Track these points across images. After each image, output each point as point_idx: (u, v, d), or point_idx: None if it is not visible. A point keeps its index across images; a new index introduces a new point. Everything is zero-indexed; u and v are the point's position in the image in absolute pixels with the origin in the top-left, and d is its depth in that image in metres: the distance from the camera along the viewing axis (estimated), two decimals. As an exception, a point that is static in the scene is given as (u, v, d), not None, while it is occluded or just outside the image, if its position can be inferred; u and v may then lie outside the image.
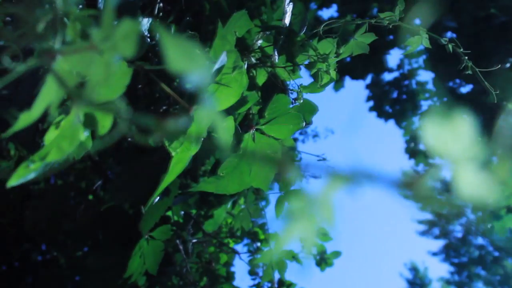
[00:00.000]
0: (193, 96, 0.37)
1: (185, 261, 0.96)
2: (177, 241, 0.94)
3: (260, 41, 0.75)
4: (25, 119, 0.28)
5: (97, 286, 0.81)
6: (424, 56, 3.25)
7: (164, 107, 0.80)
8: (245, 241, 1.39)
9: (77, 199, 1.06)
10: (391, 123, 3.78)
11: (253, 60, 0.74)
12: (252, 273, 1.14)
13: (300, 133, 4.58)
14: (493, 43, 2.51)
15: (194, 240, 0.99)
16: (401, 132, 3.82)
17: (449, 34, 2.71)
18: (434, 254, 7.99)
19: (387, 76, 3.79)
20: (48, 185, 0.97)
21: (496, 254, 6.91)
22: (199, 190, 0.70)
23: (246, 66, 0.59)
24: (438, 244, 8.12)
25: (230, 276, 1.29)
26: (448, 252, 7.73)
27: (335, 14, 3.27)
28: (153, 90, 0.79)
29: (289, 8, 0.73)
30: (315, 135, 4.98)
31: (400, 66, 3.82)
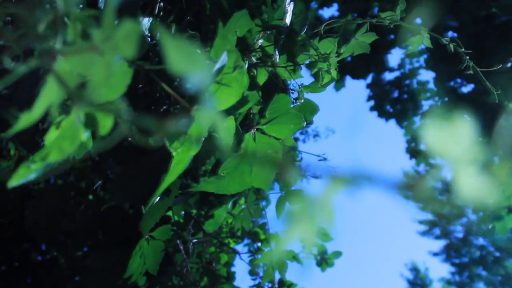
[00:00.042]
0: (194, 96, 0.37)
1: (186, 261, 0.96)
2: (178, 241, 0.94)
3: (261, 41, 0.75)
4: (26, 119, 0.27)
5: (97, 286, 0.80)
6: (425, 56, 3.24)
7: (165, 107, 0.80)
8: (246, 241, 1.39)
9: (77, 199, 1.06)
10: (392, 123, 3.78)
11: (254, 59, 0.74)
12: (252, 273, 1.13)
13: (301, 133, 4.58)
14: (494, 42, 2.50)
15: (195, 240, 0.99)
16: (402, 132, 3.82)
17: (450, 33, 2.70)
18: (435, 254, 7.99)
19: (388, 76, 3.79)
20: (48, 185, 0.97)
21: (497, 254, 6.90)
22: (199, 190, 0.70)
23: (247, 65, 0.59)
24: (439, 244, 8.12)
25: (230, 276, 1.28)
26: (449, 253, 7.73)
27: (336, 13, 3.27)
28: (154, 89, 0.78)
29: (289, 8, 0.72)
30: (316, 135, 4.98)
31: (401, 66, 3.82)
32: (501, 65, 0.88)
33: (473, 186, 0.21)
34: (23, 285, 1.23)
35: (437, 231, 7.59)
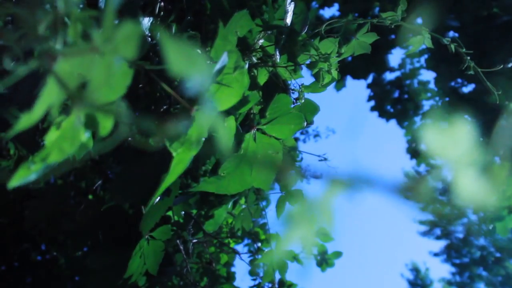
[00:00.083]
0: (194, 96, 0.37)
1: (186, 261, 0.96)
2: (178, 241, 0.94)
3: (261, 41, 0.75)
4: (26, 120, 0.27)
5: (97, 286, 0.80)
6: (425, 56, 3.24)
7: (165, 107, 0.80)
8: (246, 241, 1.38)
9: (77, 199, 1.05)
10: (393, 123, 3.78)
11: (254, 59, 0.74)
12: (252, 273, 1.13)
13: (301, 133, 4.57)
14: (496, 42, 2.50)
15: (195, 240, 0.99)
16: (403, 132, 3.81)
17: (451, 33, 2.70)
18: (436, 254, 7.98)
19: (389, 76, 3.79)
20: (48, 185, 0.97)
21: (498, 255, 6.90)
22: (199, 190, 0.70)
23: (247, 66, 0.59)
24: (440, 244, 8.12)
25: (230, 277, 1.28)
26: (450, 253, 7.72)
27: (337, 13, 3.27)
28: (154, 89, 0.78)
29: (290, 8, 0.72)
30: (316, 135, 4.97)
31: (401, 66, 3.82)
32: (502, 66, 0.88)
33: (473, 186, 0.20)
34: (23, 285, 1.22)
35: (437, 231, 7.59)
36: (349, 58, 3.15)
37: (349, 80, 3.64)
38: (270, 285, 1.09)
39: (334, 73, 0.77)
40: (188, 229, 0.96)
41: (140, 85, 0.78)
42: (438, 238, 7.68)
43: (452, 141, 0.20)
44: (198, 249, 1.17)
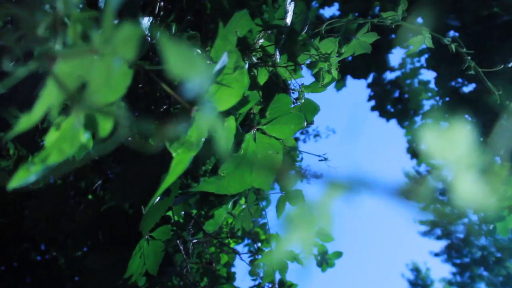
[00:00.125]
0: (194, 97, 0.36)
1: (186, 262, 0.96)
2: (178, 241, 0.93)
3: (261, 40, 0.75)
4: (25, 122, 0.27)
5: (97, 286, 0.80)
6: (426, 55, 3.24)
7: (165, 107, 0.79)
8: (246, 241, 1.38)
9: (77, 199, 1.05)
10: (393, 123, 3.77)
11: (254, 59, 0.74)
12: (253, 273, 1.13)
13: (301, 133, 4.57)
14: (496, 42, 2.50)
15: (195, 241, 0.99)
16: (403, 132, 3.81)
17: (451, 33, 2.69)
18: (436, 254, 7.98)
19: (389, 76, 3.79)
20: (48, 185, 0.97)
21: (499, 255, 6.89)
22: (199, 190, 0.70)
23: (247, 66, 0.59)
24: (440, 244, 8.11)
25: (230, 277, 1.28)
26: (450, 253, 7.72)
27: (337, 13, 3.26)
28: (154, 89, 0.78)
29: (290, 7, 0.72)
30: (317, 135, 4.97)
31: (402, 65, 3.81)
32: (502, 66, 0.88)
33: (473, 187, 0.20)
34: (23, 285, 1.22)
35: (438, 231, 7.59)
36: (349, 58, 3.15)
37: (349, 79, 3.63)
38: (270, 285, 1.08)
39: (334, 73, 0.76)
40: (188, 229, 0.96)
41: (140, 85, 0.78)
42: (438, 238, 7.67)
43: (452, 142, 0.20)
44: (198, 249, 1.17)
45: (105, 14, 0.24)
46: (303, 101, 0.79)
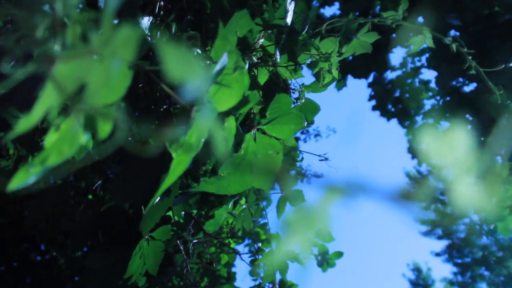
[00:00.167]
0: (193, 99, 0.36)
1: (186, 262, 0.95)
2: (178, 241, 0.93)
3: (261, 40, 0.75)
4: (25, 123, 0.27)
5: (97, 286, 0.80)
6: (427, 55, 3.23)
7: (165, 107, 0.79)
8: (246, 241, 1.38)
9: (76, 199, 1.05)
10: (394, 122, 3.77)
11: (254, 59, 0.74)
12: (253, 273, 1.13)
13: (302, 132, 4.57)
14: (497, 41, 2.49)
15: (195, 241, 0.99)
16: (404, 131, 3.80)
17: (452, 32, 2.69)
18: (437, 254, 7.97)
19: (390, 75, 3.78)
20: (48, 185, 0.96)
21: (500, 254, 6.89)
22: (200, 190, 0.70)
23: (247, 65, 0.59)
24: (441, 244, 8.11)
25: (231, 277, 1.28)
26: (451, 253, 7.71)
27: (338, 12, 3.26)
28: (154, 89, 0.78)
29: (291, 7, 0.72)
30: (317, 135, 4.97)
31: (403, 65, 3.81)
32: (503, 65, 0.87)
33: (474, 187, 0.20)
34: (22, 285, 1.22)
35: (439, 231, 7.58)
36: (350, 57, 3.15)
37: (350, 79, 3.63)
38: (270, 286, 1.08)
39: (335, 73, 0.76)
40: (188, 229, 0.96)
41: (140, 85, 0.78)
42: (439, 238, 7.67)
43: (452, 143, 0.20)
44: (199, 250, 1.17)
45: (104, 14, 0.24)
46: (303, 101, 0.79)
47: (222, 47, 0.44)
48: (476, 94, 2.69)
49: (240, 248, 1.59)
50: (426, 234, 7.73)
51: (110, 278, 0.79)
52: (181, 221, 0.97)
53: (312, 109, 0.80)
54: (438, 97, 3.48)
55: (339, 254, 1.29)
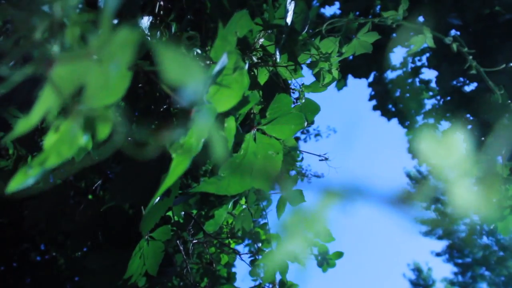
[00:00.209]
0: (192, 101, 0.36)
1: (186, 262, 0.95)
2: (178, 241, 0.93)
3: (261, 40, 0.75)
4: (24, 125, 0.27)
5: (97, 287, 0.80)
6: (427, 54, 3.23)
7: (165, 107, 0.79)
8: (247, 241, 1.38)
9: (76, 199, 1.05)
10: (395, 122, 3.77)
11: (254, 59, 0.74)
12: (253, 274, 1.13)
13: (302, 132, 4.57)
14: (498, 41, 2.49)
15: (195, 241, 0.99)
16: (404, 131, 3.80)
17: (453, 32, 2.68)
18: (438, 254, 7.97)
19: (390, 75, 3.78)
20: (48, 185, 0.96)
21: (501, 254, 6.88)
22: (200, 191, 0.70)
23: (247, 66, 0.59)
24: (442, 244, 8.10)
25: (231, 277, 1.28)
26: (452, 253, 7.71)
27: (338, 12, 3.26)
28: (154, 89, 0.78)
29: (291, 6, 0.72)
30: (318, 134, 4.97)
31: (403, 64, 3.80)
32: (504, 64, 0.87)
33: (474, 188, 0.20)
34: (22, 285, 1.22)
35: (439, 231, 7.57)
36: (350, 57, 3.14)
37: (350, 79, 3.63)
38: (270, 286, 1.08)
39: (335, 73, 0.76)
40: (188, 229, 0.96)
41: (140, 85, 0.77)
42: (440, 238, 7.66)
43: (452, 143, 0.20)
44: (198, 250, 1.17)
45: (103, 15, 0.24)
46: (303, 101, 0.79)
47: (222, 47, 0.43)
48: (477, 93, 2.69)
49: (240, 248, 1.59)
50: (427, 234, 7.73)
51: (110, 278, 0.79)
52: (181, 221, 0.97)
53: (312, 109, 0.79)
54: (438, 97, 3.48)
55: (339, 254, 1.28)
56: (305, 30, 0.76)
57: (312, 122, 0.86)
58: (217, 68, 0.37)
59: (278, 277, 1.05)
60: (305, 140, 4.85)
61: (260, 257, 1.14)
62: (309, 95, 0.81)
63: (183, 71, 0.19)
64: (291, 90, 0.81)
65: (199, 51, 0.62)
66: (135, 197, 0.76)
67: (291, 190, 0.84)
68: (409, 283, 8.50)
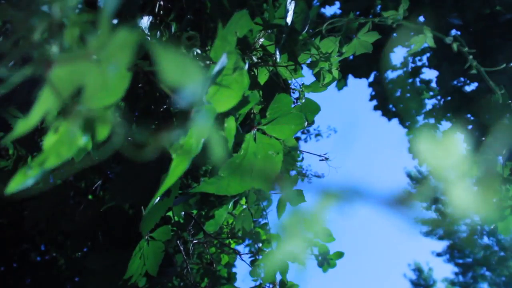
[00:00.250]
0: (191, 102, 0.36)
1: (186, 262, 0.95)
2: (178, 241, 0.93)
3: (262, 40, 0.75)
4: (23, 125, 0.27)
5: (97, 287, 0.80)
6: (428, 54, 3.22)
7: (165, 106, 0.79)
8: (247, 241, 1.38)
9: (76, 199, 1.05)
10: (395, 122, 3.77)
11: (254, 59, 0.73)
12: (254, 274, 1.13)
13: (303, 132, 4.57)
14: (499, 41, 2.48)
15: (195, 241, 0.99)
16: (405, 131, 3.80)
17: (453, 31, 2.68)
18: (438, 254, 7.96)
19: (391, 75, 3.77)
20: (47, 185, 0.96)
21: (502, 254, 6.87)
22: (200, 191, 0.70)
23: (247, 65, 0.59)
24: (442, 244, 8.10)
25: (231, 277, 1.28)
26: (453, 253, 7.70)
27: (338, 12, 3.25)
28: (154, 89, 0.78)
29: (291, 6, 0.71)
30: (318, 134, 4.96)
31: (404, 64, 3.80)
32: (505, 64, 0.87)
33: (474, 188, 0.20)
34: (22, 285, 1.22)
35: (440, 231, 7.57)
36: (351, 57, 3.14)
37: (350, 79, 3.62)
38: (271, 286, 1.08)
39: (335, 72, 0.76)
40: (189, 229, 0.96)
41: (140, 85, 0.77)
42: (440, 238, 7.65)
43: (452, 144, 0.20)
44: (199, 250, 1.17)
45: (102, 16, 0.24)
46: (303, 100, 0.79)
47: (222, 47, 0.43)
48: (477, 93, 2.69)
49: (241, 248, 1.59)
50: (427, 234, 7.72)
51: (110, 278, 0.79)
52: (181, 221, 0.97)
53: (312, 109, 0.79)
54: (439, 97, 3.48)
55: (340, 255, 1.28)
56: (305, 30, 0.76)
57: (313, 122, 0.86)
58: (216, 68, 0.37)
59: (278, 277, 1.05)
60: (305, 140, 4.85)
61: (260, 257, 1.14)
62: (309, 95, 0.81)
63: (181, 72, 0.19)
64: (291, 90, 0.81)
65: (199, 51, 0.61)
66: (135, 197, 0.76)
67: (291, 190, 0.84)
68: (410, 283, 8.50)
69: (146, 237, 0.77)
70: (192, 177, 0.95)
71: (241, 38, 0.69)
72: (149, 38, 0.67)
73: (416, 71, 3.74)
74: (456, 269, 7.80)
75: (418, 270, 8.48)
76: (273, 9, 0.72)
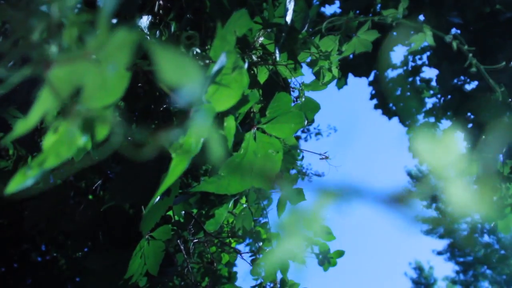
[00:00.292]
0: (190, 102, 0.36)
1: (187, 261, 0.95)
2: (178, 241, 0.93)
3: (261, 39, 0.74)
4: (22, 126, 0.27)
5: (97, 287, 0.80)
6: (428, 53, 3.22)
7: (164, 106, 0.79)
8: (247, 240, 1.38)
9: (77, 199, 1.05)
10: (395, 120, 3.76)
11: (254, 58, 0.73)
12: (254, 273, 1.13)
13: (303, 131, 4.57)
14: (499, 39, 2.48)
15: (195, 240, 0.99)
16: (405, 130, 3.79)
17: (453, 30, 2.68)
18: (439, 253, 7.97)
19: (391, 73, 3.77)
20: (48, 185, 0.96)
21: (502, 252, 6.88)
22: (200, 190, 0.70)
23: (247, 64, 0.59)
24: (443, 243, 8.10)
25: (232, 276, 1.28)
26: (453, 251, 7.70)
27: (338, 10, 3.25)
28: (153, 88, 0.78)
29: (290, 5, 0.71)
30: (318, 133, 4.96)
31: (404, 63, 3.79)
32: (505, 63, 0.87)
33: (474, 187, 0.20)
34: (23, 286, 1.22)
35: (440, 229, 7.57)
36: (351, 56, 3.14)
37: (350, 77, 3.62)
38: (272, 285, 1.08)
39: (335, 71, 0.76)
40: (189, 228, 0.96)
41: (139, 85, 0.77)
42: (441, 236, 7.66)
43: (452, 143, 0.20)
44: (199, 249, 1.17)
45: (101, 16, 0.24)
46: (303, 99, 0.79)
47: (221, 47, 0.43)
48: (478, 92, 2.69)
49: (241, 247, 1.59)
50: (428, 232, 7.72)
51: (110, 278, 0.79)
52: (182, 220, 0.97)
53: (312, 107, 0.79)
54: (439, 96, 3.47)
55: (341, 253, 1.28)
56: (305, 29, 0.76)
57: (313, 121, 0.86)
58: (216, 67, 0.37)
59: (279, 276, 1.05)
60: (305, 139, 4.85)
61: (261, 256, 1.14)
62: (309, 94, 0.81)
63: (180, 71, 0.19)
64: (291, 89, 0.81)
65: (198, 50, 0.61)
66: (135, 197, 0.76)
67: (292, 189, 0.84)
68: (411, 281, 8.50)
69: (147, 236, 0.77)
70: (192, 176, 0.95)
71: (241, 37, 0.69)
72: (148, 37, 0.67)
73: (416, 70, 3.74)
74: (457, 268, 7.81)
75: (419, 268, 8.48)
76: (272, 8, 0.72)
